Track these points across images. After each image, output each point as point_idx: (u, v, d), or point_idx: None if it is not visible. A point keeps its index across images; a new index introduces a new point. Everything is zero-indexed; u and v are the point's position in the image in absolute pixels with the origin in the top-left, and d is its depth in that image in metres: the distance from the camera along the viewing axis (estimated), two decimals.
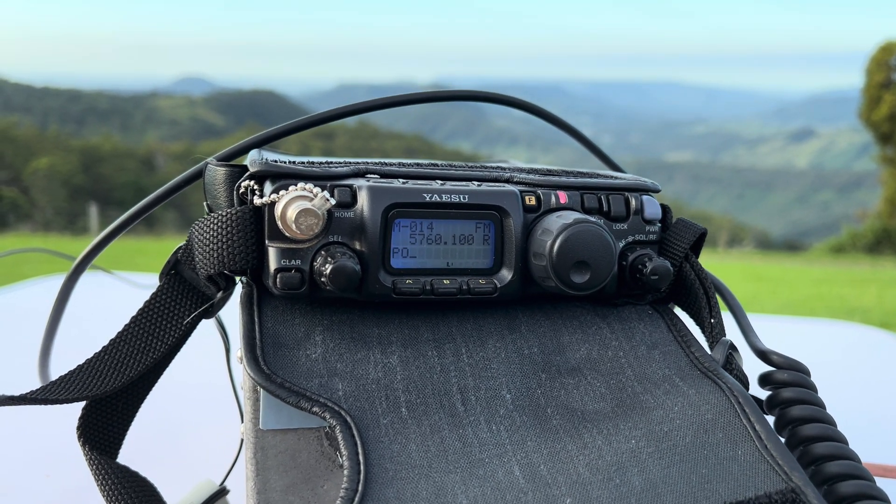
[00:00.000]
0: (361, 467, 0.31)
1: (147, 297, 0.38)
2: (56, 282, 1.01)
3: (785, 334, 0.93)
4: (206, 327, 0.43)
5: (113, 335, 0.38)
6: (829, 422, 0.33)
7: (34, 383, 0.45)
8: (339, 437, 0.31)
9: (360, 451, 0.31)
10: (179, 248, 0.38)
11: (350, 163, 0.38)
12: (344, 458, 0.31)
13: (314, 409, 0.32)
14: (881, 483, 0.31)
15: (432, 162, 0.42)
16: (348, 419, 0.32)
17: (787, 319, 1.04)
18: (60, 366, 0.41)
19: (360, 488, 0.30)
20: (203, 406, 0.61)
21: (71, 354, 0.42)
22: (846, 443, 0.33)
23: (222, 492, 0.45)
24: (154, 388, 0.41)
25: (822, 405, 0.34)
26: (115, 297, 0.73)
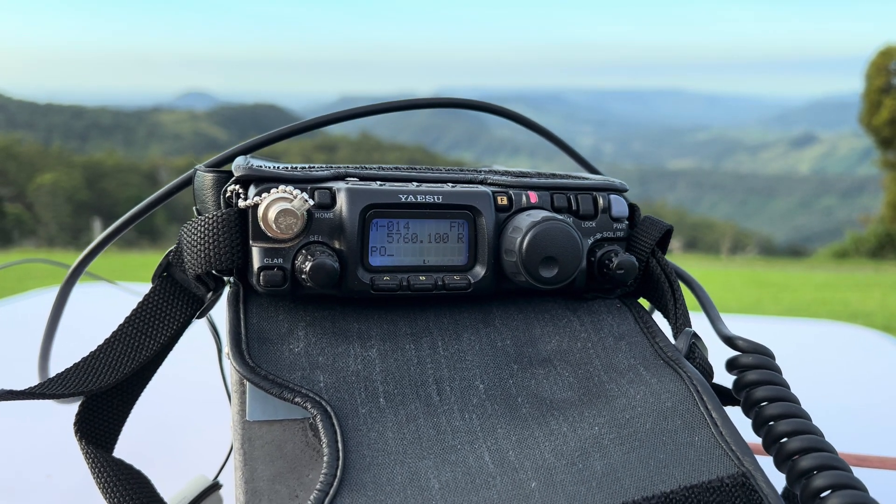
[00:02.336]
0: (340, 454, 0.32)
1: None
2: (55, 292, 1.03)
3: (784, 335, 0.95)
4: (199, 328, 0.45)
5: (108, 336, 0.40)
6: (792, 400, 0.35)
7: None
8: (320, 426, 0.33)
9: (339, 438, 0.33)
10: (170, 251, 0.40)
11: (332, 167, 0.40)
12: (324, 445, 0.33)
13: (296, 399, 0.34)
14: (858, 473, 0.33)
15: (411, 165, 0.44)
16: (328, 409, 0.34)
17: (789, 321, 1.05)
18: (60, 368, 0.43)
19: (338, 474, 0.31)
20: (197, 404, 0.63)
21: (72, 359, 0.43)
22: (809, 419, 0.34)
23: (215, 486, 0.47)
24: (149, 388, 0.42)
25: (785, 385, 0.36)
26: (116, 306, 0.75)
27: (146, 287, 0.90)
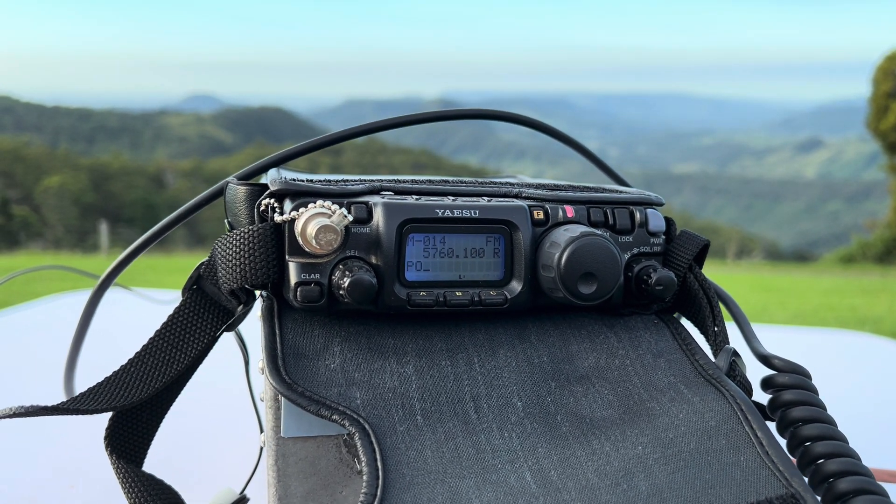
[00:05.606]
0: (380, 473, 0.32)
1: (169, 312, 0.40)
2: (73, 298, 1.03)
3: (795, 344, 0.94)
4: (227, 341, 0.45)
5: (133, 348, 0.39)
6: (829, 422, 0.34)
7: (57, 396, 0.46)
8: (358, 444, 0.33)
9: (378, 457, 0.32)
10: (202, 263, 0.40)
11: (365, 180, 0.40)
12: (363, 464, 0.32)
13: (334, 416, 0.33)
14: (890, 488, 0.32)
15: (444, 179, 0.43)
16: (366, 426, 0.33)
17: (798, 329, 1.05)
18: (84, 379, 0.43)
19: (378, 493, 0.31)
20: (224, 417, 0.63)
21: (93, 367, 0.43)
22: (846, 441, 0.34)
23: (242, 500, 0.46)
24: (176, 400, 0.42)
25: (822, 406, 0.35)
26: (133, 313, 0.75)
27: (162, 293, 0.90)
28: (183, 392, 0.42)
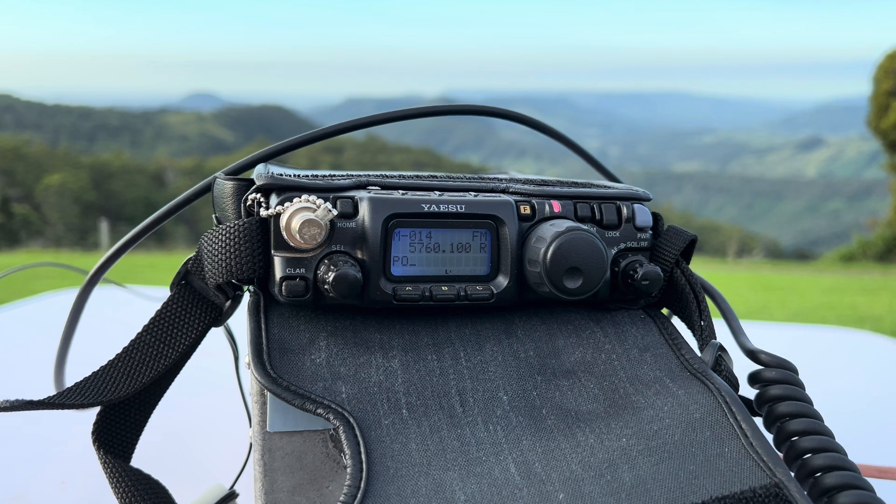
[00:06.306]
0: (364, 466, 0.32)
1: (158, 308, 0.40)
2: (68, 295, 1.03)
3: (793, 341, 0.94)
4: (216, 336, 0.45)
5: (126, 345, 0.39)
6: (815, 416, 0.34)
7: (49, 392, 0.46)
8: (343, 438, 0.33)
9: (362, 450, 0.33)
10: (189, 259, 0.40)
11: (352, 175, 0.40)
12: (347, 457, 0.32)
13: (318, 410, 0.34)
14: (882, 484, 0.32)
15: (432, 174, 0.43)
16: (351, 420, 0.34)
17: (796, 327, 1.05)
18: (75, 376, 0.43)
19: (362, 486, 0.31)
20: (213, 412, 0.63)
21: (85, 365, 0.43)
22: (832, 436, 0.34)
23: (232, 495, 0.46)
24: (165, 395, 0.42)
25: (808, 401, 0.35)
26: (127, 310, 0.75)
27: (155, 290, 0.90)
28: (173, 387, 0.42)
